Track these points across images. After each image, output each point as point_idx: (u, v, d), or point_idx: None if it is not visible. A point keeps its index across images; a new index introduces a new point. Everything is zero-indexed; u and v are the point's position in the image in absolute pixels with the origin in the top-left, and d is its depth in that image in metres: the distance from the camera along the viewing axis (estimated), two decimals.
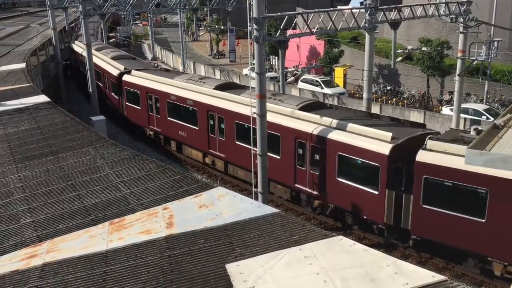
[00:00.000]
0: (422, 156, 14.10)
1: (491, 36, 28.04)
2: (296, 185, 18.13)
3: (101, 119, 25.47)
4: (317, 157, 17.04)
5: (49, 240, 6.95)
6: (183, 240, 6.44)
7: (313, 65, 42.36)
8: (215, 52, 60.14)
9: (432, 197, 14.26)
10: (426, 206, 14.34)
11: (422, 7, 22.78)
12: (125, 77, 27.34)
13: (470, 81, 32.33)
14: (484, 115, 26.54)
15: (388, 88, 35.85)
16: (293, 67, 41.74)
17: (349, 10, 21.48)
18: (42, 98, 17.21)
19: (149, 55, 62.14)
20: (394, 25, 22.15)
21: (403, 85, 36.51)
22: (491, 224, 13.23)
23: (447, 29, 36.11)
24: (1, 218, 7.91)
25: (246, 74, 40.47)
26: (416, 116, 27.21)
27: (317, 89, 34.60)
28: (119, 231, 6.97)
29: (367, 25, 20.40)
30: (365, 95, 21.31)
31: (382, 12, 21.18)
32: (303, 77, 37.93)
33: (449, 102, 30.82)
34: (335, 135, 16.37)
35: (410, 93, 34.37)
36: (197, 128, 22.29)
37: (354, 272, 5.31)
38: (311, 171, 17.41)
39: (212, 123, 21.40)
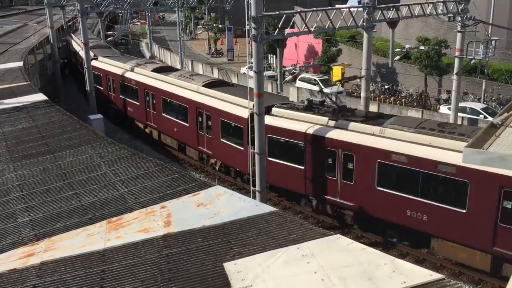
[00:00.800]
0: (267, 120, 17.23)
1: (489, 35, 28.08)
2: (199, 147, 22.03)
3: (99, 117, 25.43)
4: (209, 123, 20.88)
5: (47, 238, 6.94)
6: (181, 238, 6.43)
7: (311, 64, 42.36)
8: (213, 50, 60.12)
9: (273, 151, 17.96)
10: (270, 159, 17.71)
11: (420, 6, 22.79)
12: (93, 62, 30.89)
13: (468, 80, 32.37)
14: (482, 114, 26.58)
15: (386, 87, 35.88)
16: (291, 66, 41.73)
17: (347, 9, 21.46)
18: (40, 97, 17.18)
19: (147, 54, 62.06)
20: (392, 24, 22.14)
21: (401, 84, 36.55)
22: (307, 170, 17.27)
23: (445, 28, 36.14)
24: None
25: (244, 73, 40.45)
26: (414, 115, 27.25)
27: (315, 88, 34.59)
28: (117, 230, 6.96)
29: (365, 24, 20.40)
30: (363, 94, 21.32)
31: (380, 11, 21.17)
32: (301, 76, 37.92)
33: (447, 101, 30.86)
34: (219, 105, 20.14)
35: (408, 92, 34.40)
36: (138, 103, 26.45)
37: (352, 270, 5.31)
38: (207, 135, 21.29)
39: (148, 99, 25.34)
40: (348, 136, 16.09)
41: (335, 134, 16.36)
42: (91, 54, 31.01)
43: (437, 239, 14.79)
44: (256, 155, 17.14)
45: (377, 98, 33.67)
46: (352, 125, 16.39)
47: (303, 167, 17.47)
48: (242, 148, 19.25)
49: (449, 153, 13.78)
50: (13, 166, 10.34)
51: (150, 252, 6.16)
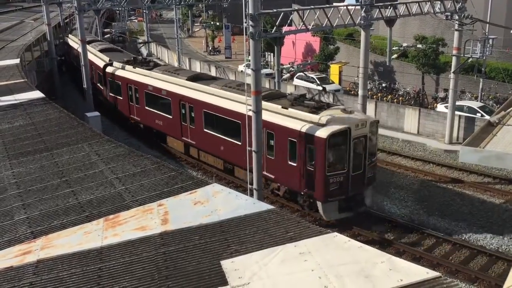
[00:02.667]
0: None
1: (486, 33, 28.14)
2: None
3: (96, 115, 25.38)
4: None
5: (44, 236, 6.93)
6: (178, 236, 6.43)
7: (309, 62, 42.36)
8: (210, 48, 60.08)
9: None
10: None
11: (417, 4, 22.81)
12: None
13: (465, 79, 32.45)
14: (479, 112, 26.64)
15: (384, 85, 35.93)
16: (289, 64, 41.72)
17: (345, 7, 21.48)
18: (37, 94, 17.14)
19: (144, 51, 61.91)
20: (390, 22, 22.18)
21: (398, 82, 36.60)
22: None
23: (442, 27, 36.20)
24: None
25: (241, 71, 40.41)
26: (411, 113, 27.30)
27: (313, 85, 34.61)
28: (114, 228, 6.95)
29: (362, 22, 20.41)
30: (360, 92, 21.34)
31: (378, 9, 21.19)
32: (298, 73, 37.93)
33: (444, 100, 30.92)
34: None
35: (405, 90, 34.45)
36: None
37: (349, 268, 5.32)
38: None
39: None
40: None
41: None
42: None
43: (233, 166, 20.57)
44: (253, 153, 17.13)
45: (375, 96, 33.71)
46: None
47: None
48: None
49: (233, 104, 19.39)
50: (9, 164, 10.32)
51: (147, 250, 6.16)
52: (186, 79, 23.18)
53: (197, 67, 45.18)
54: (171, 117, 23.53)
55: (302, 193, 17.79)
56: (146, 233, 6.63)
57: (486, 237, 16.39)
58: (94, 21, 55.87)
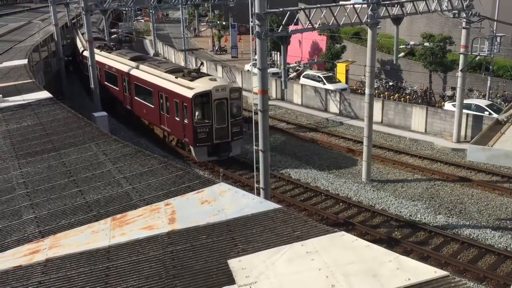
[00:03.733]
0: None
1: (494, 31, 27.93)
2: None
3: (103, 115, 25.48)
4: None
5: (52, 235, 6.97)
6: (185, 235, 6.45)
7: (315, 60, 42.27)
8: (217, 48, 60.12)
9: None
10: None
11: (424, 2, 22.68)
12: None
13: (473, 77, 32.24)
14: (487, 110, 26.47)
15: (391, 83, 35.78)
16: (295, 63, 41.66)
17: (352, 6, 21.40)
18: (44, 94, 17.23)
19: (151, 51, 62.02)
20: (397, 20, 22.06)
21: (405, 80, 36.44)
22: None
23: (449, 25, 35.99)
24: (3, 214, 7.93)
25: (248, 70, 40.41)
26: (418, 112, 27.18)
27: (319, 85, 34.54)
28: (122, 227, 6.98)
29: (369, 20, 20.33)
30: (367, 91, 21.26)
31: (385, 8, 21.09)
32: (305, 72, 37.86)
33: (452, 98, 30.75)
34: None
35: (412, 89, 34.30)
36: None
37: (356, 267, 5.31)
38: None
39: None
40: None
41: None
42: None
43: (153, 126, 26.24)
44: (260, 152, 17.14)
45: (382, 95, 33.59)
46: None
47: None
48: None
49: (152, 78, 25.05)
50: (18, 164, 10.38)
51: (154, 249, 6.18)
52: (129, 59, 29.22)
53: (204, 66, 45.20)
54: (118, 89, 29.61)
55: (183, 141, 23.22)
56: (153, 232, 6.65)
57: (494, 236, 16.30)
58: (101, 21, 56.04)
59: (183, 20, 48.70)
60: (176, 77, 23.74)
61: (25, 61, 25.75)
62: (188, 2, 43.08)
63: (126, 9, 60.20)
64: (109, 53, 32.31)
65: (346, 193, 20.14)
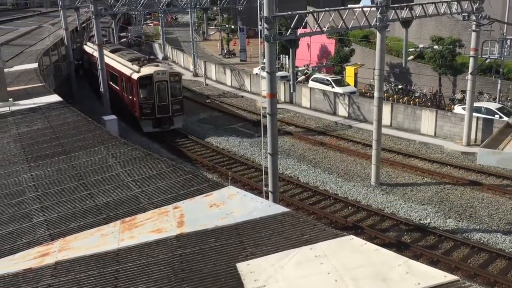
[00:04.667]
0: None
1: (504, 34, 27.74)
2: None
3: (113, 118, 25.60)
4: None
5: (61, 238, 7.02)
6: (193, 239, 6.46)
7: (324, 64, 42.22)
8: (225, 51, 60.24)
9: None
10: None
11: (434, 5, 22.59)
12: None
13: (483, 80, 32.03)
14: (497, 114, 26.27)
15: (400, 87, 35.64)
16: (304, 66, 41.64)
17: (360, 9, 21.35)
18: (55, 98, 17.37)
19: (160, 54, 62.33)
20: (406, 23, 21.97)
21: (414, 83, 36.28)
22: None
23: (459, 27, 35.80)
24: (14, 217, 8.00)
25: (256, 74, 40.47)
26: (427, 115, 27.04)
27: (328, 88, 34.49)
28: (131, 230, 7.01)
29: (378, 23, 20.27)
30: (376, 94, 21.19)
31: (394, 11, 21.03)
32: (313, 76, 37.83)
33: (462, 101, 30.56)
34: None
35: (421, 92, 34.13)
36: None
37: (365, 271, 5.28)
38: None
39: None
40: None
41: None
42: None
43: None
44: (268, 156, 17.14)
45: (391, 98, 33.47)
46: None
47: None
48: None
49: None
50: (28, 167, 10.47)
51: (163, 252, 6.19)
52: (109, 51, 33.99)
53: (212, 70, 45.35)
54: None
55: (135, 115, 28.36)
56: (162, 235, 6.67)
57: (505, 240, 16.14)
58: (111, 25, 56.41)
59: (192, 24, 48.92)
60: (132, 64, 29.57)
61: (35, 65, 25.98)
62: (197, 6, 43.26)
63: (136, 13, 60.54)
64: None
65: (355, 196, 20.07)
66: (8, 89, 17.24)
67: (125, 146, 11.33)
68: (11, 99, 16.68)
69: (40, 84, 20.52)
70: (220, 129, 29.95)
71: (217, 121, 31.81)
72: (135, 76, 27.80)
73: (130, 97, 28.70)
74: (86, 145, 11.58)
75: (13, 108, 16.14)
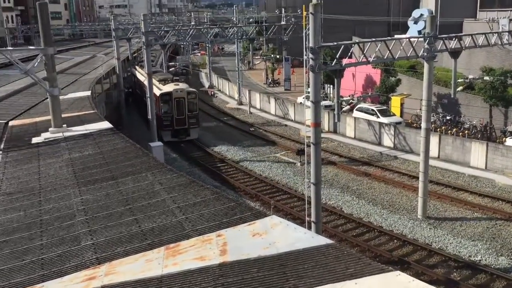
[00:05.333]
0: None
1: None
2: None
3: (159, 145, 26.23)
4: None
5: (108, 262, 7.16)
6: (236, 268, 6.44)
7: (369, 94, 41.89)
8: (270, 80, 60.85)
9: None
10: None
11: (484, 36, 22.14)
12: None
13: None
14: None
15: (448, 118, 34.78)
16: (349, 96, 41.45)
17: (407, 39, 21.18)
18: (105, 125, 17.99)
19: (206, 83, 63.71)
20: (455, 54, 21.60)
21: (463, 115, 35.31)
22: None
23: (510, 58, 34.81)
24: (64, 240, 8.25)
25: (300, 103, 40.58)
26: (478, 147, 26.17)
27: (373, 118, 34.11)
28: (174, 257, 7.07)
29: (426, 54, 20.03)
30: (423, 125, 20.77)
31: (442, 41, 20.74)
32: (358, 105, 37.55)
33: None
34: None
35: (471, 124, 33.16)
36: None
37: None
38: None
39: None
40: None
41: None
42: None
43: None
44: (312, 185, 17.01)
45: (438, 129, 32.67)
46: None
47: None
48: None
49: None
50: (78, 191, 10.82)
51: (206, 281, 6.20)
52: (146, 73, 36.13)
53: (257, 98, 45.84)
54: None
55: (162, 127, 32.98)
56: (205, 263, 6.68)
57: None
58: (160, 55, 58.36)
59: (238, 54, 49.90)
60: (159, 83, 35.26)
61: (88, 93, 27.09)
62: (244, 37, 44.18)
63: (184, 43, 62.42)
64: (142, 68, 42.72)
65: (400, 230, 19.51)
66: (63, 115, 18.01)
67: (170, 172, 11.55)
68: (65, 125, 17.40)
69: (92, 111, 21.34)
70: (263, 157, 30.05)
71: (261, 149, 31.95)
72: (157, 92, 33.06)
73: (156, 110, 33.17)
74: (134, 171, 11.88)
75: (67, 134, 16.83)
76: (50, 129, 17.10)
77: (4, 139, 17.12)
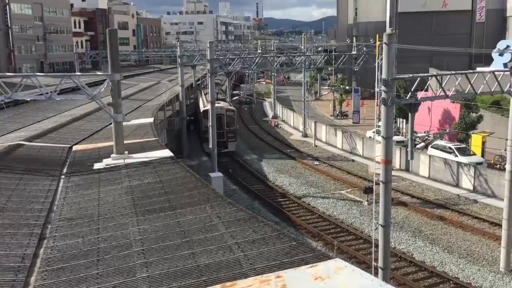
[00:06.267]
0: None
1: None
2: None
3: (219, 176, 26.68)
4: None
5: None
6: None
7: (447, 131, 40.58)
8: (337, 112, 60.61)
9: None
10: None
11: None
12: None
13: None
14: None
15: None
16: (424, 132, 40.35)
17: (491, 73, 20.45)
18: (166, 153, 18.55)
19: (270, 113, 64.40)
20: None
21: None
22: None
23: None
24: (119, 270, 8.48)
25: (370, 137, 39.98)
26: None
27: (450, 156, 32.90)
28: None
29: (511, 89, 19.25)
30: (508, 167, 19.77)
31: None
32: (434, 143, 36.42)
33: None
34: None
35: None
36: None
37: None
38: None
39: None
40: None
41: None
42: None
43: None
44: (380, 227, 16.54)
45: None
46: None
47: None
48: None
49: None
50: (136, 220, 11.15)
51: None
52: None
53: (323, 131, 45.71)
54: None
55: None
56: None
57: None
58: (225, 83, 59.89)
59: (304, 83, 50.27)
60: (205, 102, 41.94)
61: (151, 120, 28.16)
62: (311, 66, 44.52)
63: (249, 71, 63.78)
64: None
65: (480, 283, 18.44)
66: (125, 141, 18.80)
67: (230, 206, 11.66)
68: (126, 152, 18.13)
69: (154, 139, 22.13)
70: (327, 194, 29.69)
71: (326, 185, 31.62)
72: (201, 109, 41.67)
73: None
74: (192, 202, 12.10)
75: (128, 161, 17.51)
76: (112, 155, 17.87)
77: (67, 163, 18.06)
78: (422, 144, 38.43)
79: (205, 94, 48.56)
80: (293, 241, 9.03)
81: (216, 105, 36.22)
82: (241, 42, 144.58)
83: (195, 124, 48.87)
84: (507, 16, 67.02)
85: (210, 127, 33.15)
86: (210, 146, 33.67)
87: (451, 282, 18.60)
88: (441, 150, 34.35)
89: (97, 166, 17.06)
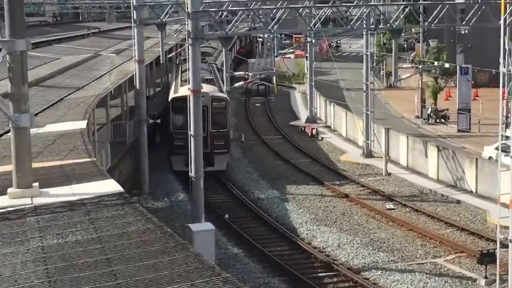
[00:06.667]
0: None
1: None
2: None
3: (207, 229, 26.42)
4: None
5: None
6: None
7: None
8: (430, 111, 60.24)
9: None
10: None
11: None
12: None
13: None
14: None
15: None
16: None
17: None
18: (110, 185, 18.45)
19: (302, 113, 64.05)
20: None
21: None
22: None
23: None
24: None
25: (490, 158, 39.82)
26: None
27: None
28: None
29: None
30: None
31: None
32: None
33: None
34: None
35: None
36: None
37: None
38: None
39: None
40: None
41: None
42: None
43: None
44: None
45: None
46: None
47: None
48: None
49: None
50: None
51: None
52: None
53: (401, 145, 45.60)
54: None
55: None
56: None
57: None
58: (219, 55, 59.93)
59: (367, 58, 49.98)
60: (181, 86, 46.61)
61: (82, 124, 27.82)
62: (380, 25, 44.38)
63: (264, 36, 63.86)
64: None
65: None
66: (35, 165, 18.72)
67: (229, 286, 11.54)
68: (35, 184, 18.03)
69: (88, 160, 21.97)
70: (411, 264, 29.54)
71: (407, 248, 31.48)
72: (169, 98, 46.12)
73: None
74: (158, 280, 11.97)
75: (38, 200, 17.39)
76: (9, 190, 17.76)
77: None
78: None
79: (182, 73, 47.51)
80: None
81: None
82: None
83: (163, 131, 48.23)
84: None
85: (191, 130, 32.03)
86: (183, 164, 34.47)
87: None
88: None
89: None
